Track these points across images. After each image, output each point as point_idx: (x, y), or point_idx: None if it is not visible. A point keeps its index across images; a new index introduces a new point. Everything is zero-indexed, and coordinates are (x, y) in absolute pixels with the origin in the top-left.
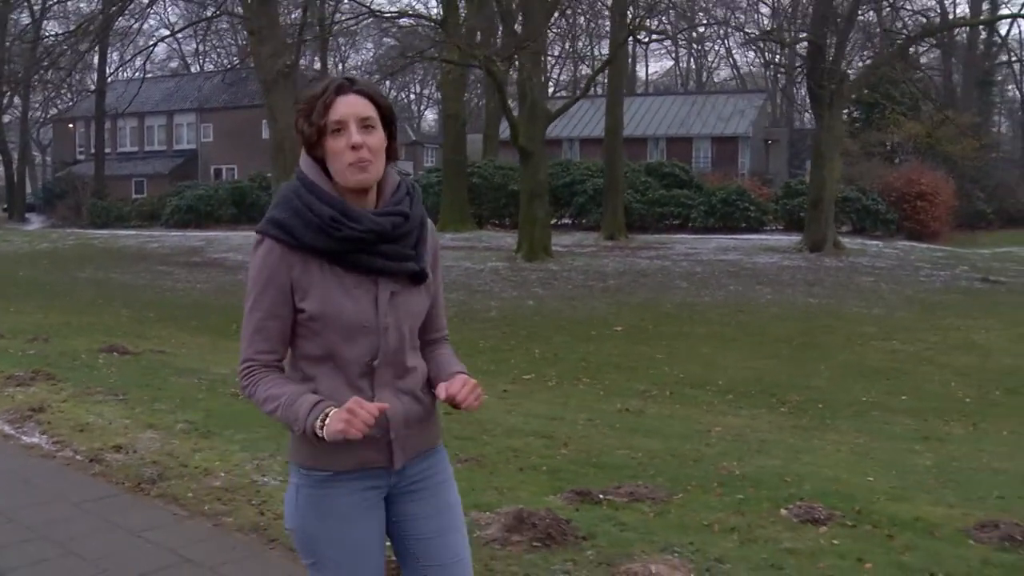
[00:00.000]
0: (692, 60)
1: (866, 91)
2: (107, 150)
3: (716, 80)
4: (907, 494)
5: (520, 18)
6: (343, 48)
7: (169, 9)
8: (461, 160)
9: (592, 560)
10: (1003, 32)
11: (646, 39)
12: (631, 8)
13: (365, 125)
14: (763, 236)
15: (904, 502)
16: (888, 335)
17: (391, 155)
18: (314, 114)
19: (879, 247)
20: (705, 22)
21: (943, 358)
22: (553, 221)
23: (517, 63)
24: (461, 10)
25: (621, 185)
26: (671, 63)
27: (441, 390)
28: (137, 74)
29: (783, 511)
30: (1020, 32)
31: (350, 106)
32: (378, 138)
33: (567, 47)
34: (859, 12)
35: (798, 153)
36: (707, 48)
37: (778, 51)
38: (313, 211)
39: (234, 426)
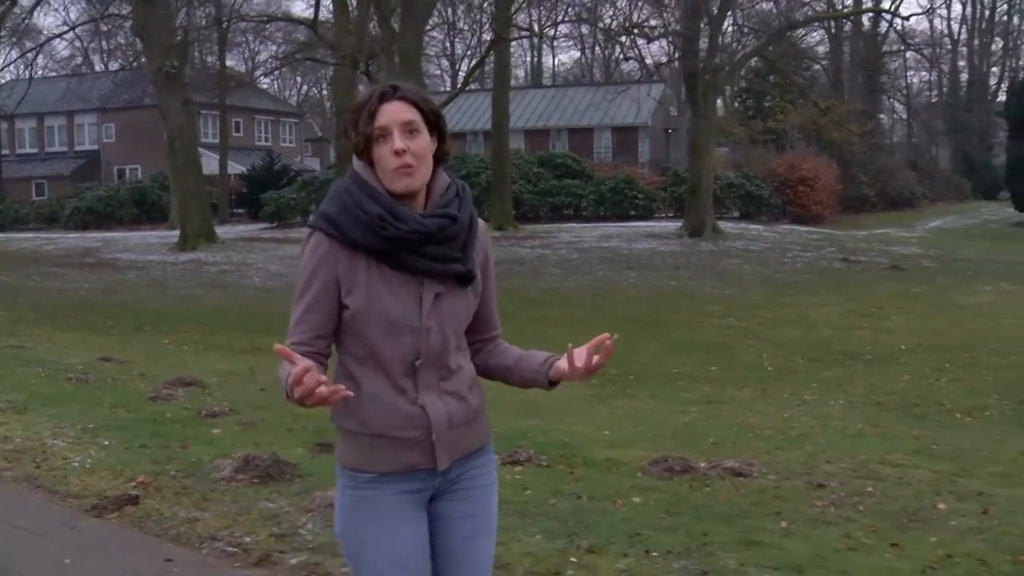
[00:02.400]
0: (601, 51)
1: (756, 79)
2: (5, 151)
3: (624, 71)
4: (626, 444)
5: (398, 18)
6: (252, 44)
7: (70, 7)
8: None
9: (296, 491)
10: (892, 20)
11: (513, 37)
12: (494, 8)
13: (409, 130)
14: (650, 223)
15: (614, 448)
16: (728, 313)
17: (441, 157)
18: (360, 122)
19: (759, 231)
20: (566, 19)
21: (770, 332)
22: None
23: (397, 62)
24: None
25: (508, 177)
26: (578, 54)
27: (573, 357)
28: (39, 72)
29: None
30: (902, 24)
31: (393, 112)
32: (422, 142)
33: (445, 45)
34: (730, 7)
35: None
36: (614, 40)
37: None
38: (362, 209)
39: (52, 405)
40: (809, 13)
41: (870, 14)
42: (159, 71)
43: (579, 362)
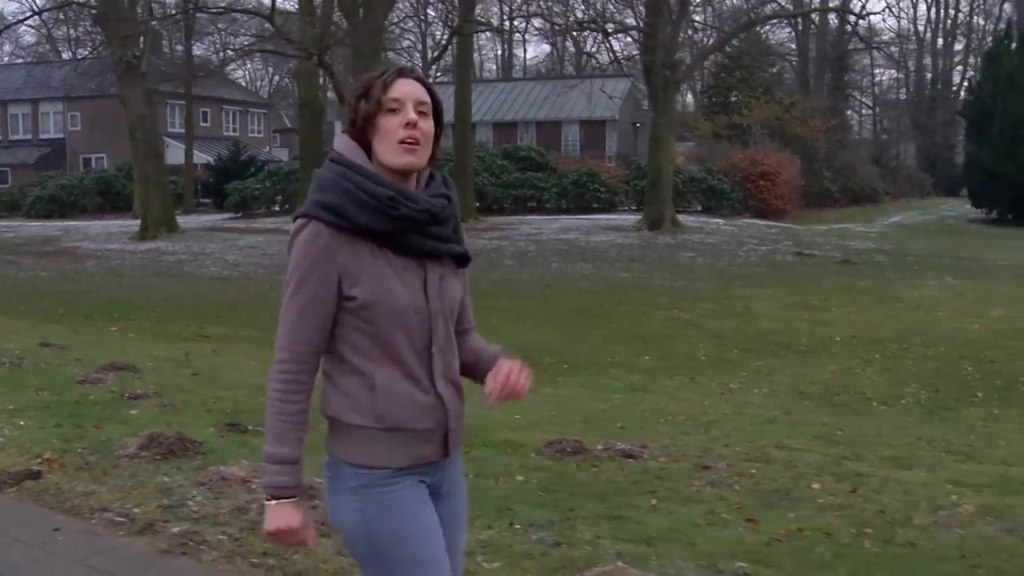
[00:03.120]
0: (574, 45)
1: (722, 75)
2: None
3: (595, 65)
4: (532, 427)
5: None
6: (223, 34)
7: None
8: (318, 148)
9: (195, 467)
10: (856, 22)
11: (470, 31)
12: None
13: (421, 111)
14: (612, 216)
15: (517, 431)
16: (674, 304)
17: (433, 153)
18: (374, 89)
19: (719, 225)
20: (520, 14)
21: (711, 323)
22: None
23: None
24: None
25: (470, 169)
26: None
27: (490, 381)
28: (3, 59)
29: None
30: (868, 22)
31: (410, 88)
32: (430, 126)
33: (416, 38)
34: (690, 3)
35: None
36: (569, 36)
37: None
38: (367, 192)
39: None
40: (769, 10)
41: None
42: (120, 61)
43: (494, 389)
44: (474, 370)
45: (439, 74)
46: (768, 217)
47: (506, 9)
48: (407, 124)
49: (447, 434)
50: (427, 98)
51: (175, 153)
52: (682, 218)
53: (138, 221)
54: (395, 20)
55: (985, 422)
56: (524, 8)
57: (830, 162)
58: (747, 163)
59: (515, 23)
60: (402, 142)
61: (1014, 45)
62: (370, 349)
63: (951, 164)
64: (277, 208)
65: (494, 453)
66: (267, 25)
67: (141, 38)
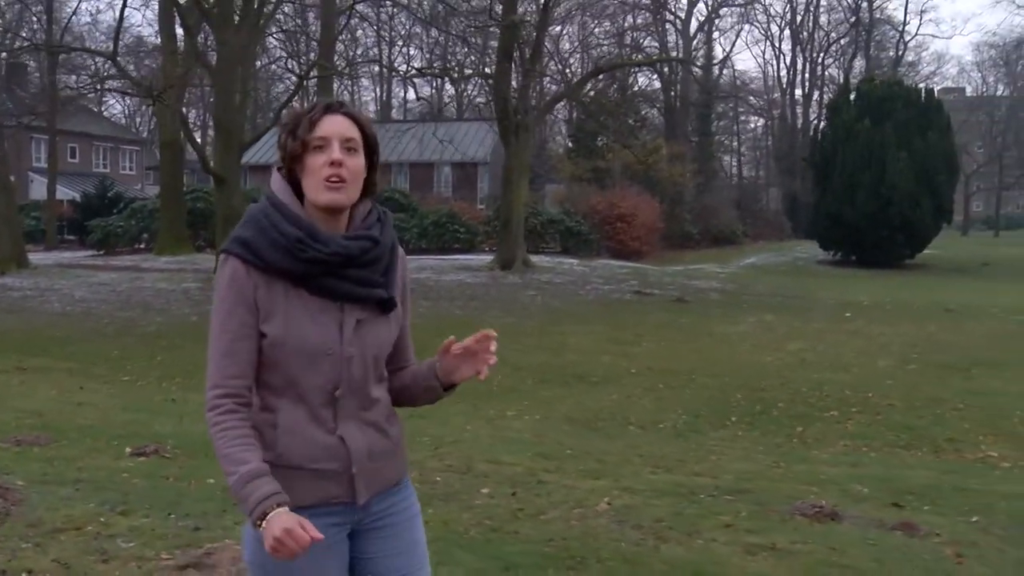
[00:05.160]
0: (452, 88)
1: (586, 120)
2: None
3: (477, 106)
4: None
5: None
6: (100, 67)
7: None
8: (178, 186)
9: None
10: (722, 68)
11: (321, 75)
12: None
13: (348, 147)
14: (470, 256)
15: None
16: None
17: (368, 187)
18: (300, 129)
19: (572, 265)
20: (360, 60)
21: (519, 357)
22: None
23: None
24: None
25: None
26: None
27: (449, 347)
28: None
29: (128, 449)
30: (734, 70)
31: (336, 125)
32: (358, 162)
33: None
34: (544, 50)
35: (539, 176)
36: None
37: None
38: (279, 230)
39: None
40: (614, 59)
41: (702, 62)
42: None
43: (455, 350)
44: (413, 388)
45: None
46: (626, 258)
47: (349, 55)
48: (332, 163)
49: (352, 477)
50: (355, 133)
51: (40, 188)
52: (538, 259)
53: None
54: (265, 63)
55: (720, 442)
56: (364, 54)
57: (691, 205)
58: (605, 205)
59: (354, 69)
60: (327, 179)
61: (853, 96)
62: (280, 387)
63: (810, 208)
64: (142, 246)
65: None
66: (147, 61)
67: None
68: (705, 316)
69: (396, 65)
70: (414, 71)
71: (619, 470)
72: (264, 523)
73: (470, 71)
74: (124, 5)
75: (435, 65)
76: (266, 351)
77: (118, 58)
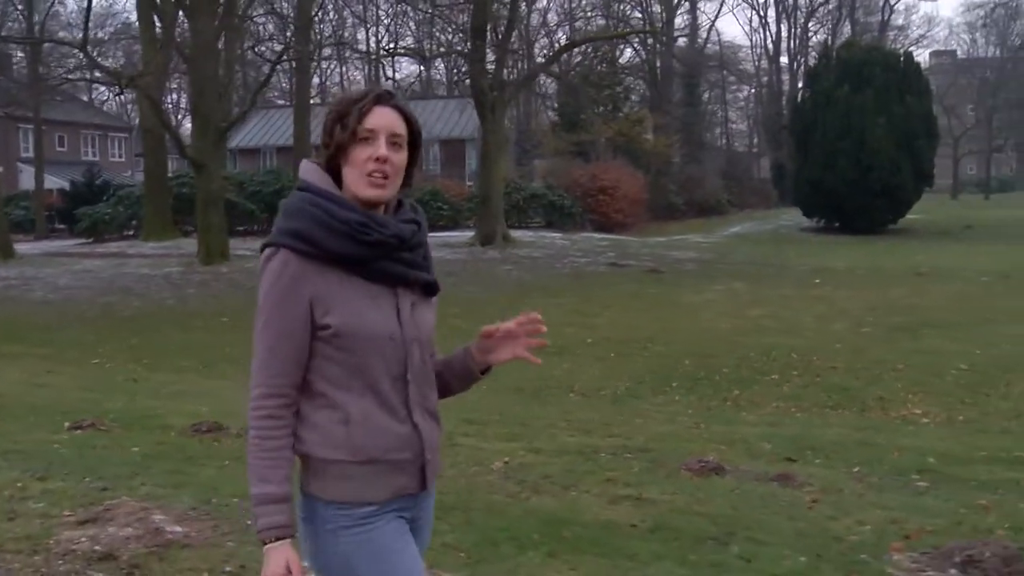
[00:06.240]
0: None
1: (569, 94)
2: None
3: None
4: (211, 416)
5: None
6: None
7: None
8: (162, 172)
9: None
10: (709, 37)
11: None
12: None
13: (394, 142)
14: (453, 233)
15: (184, 417)
16: (461, 315)
17: (405, 179)
18: (349, 118)
19: (554, 239)
20: (325, 43)
21: (475, 329)
22: (264, 226)
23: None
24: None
25: None
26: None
27: (492, 333)
28: None
29: (67, 424)
30: (720, 39)
31: (385, 118)
32: (402, 158)
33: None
34: (517, 26)
35: (526, 152)
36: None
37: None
38: (336, 218)
39: None
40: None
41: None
42: None
43: (499, 334)
44: (445, 374)
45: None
46: (611, 230)
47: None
48: (377, 159)
49: (424, 465)
50: (402, 128)
51: (29, 178)
52: (521, 233)
53: None
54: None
55: (655, 407)
56: (332, 36)
57: (675, 176)
58: (587, 179)
59: (319, 51)
60: (370, 175)
61: (833, 62)
62: (345, 379)
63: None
64: (131, 232)
65: (144, 432)
66: (135, 48)
67: None
68: (676, 286)
69: (370, 46)
70: (384, 52)
71: (538, 434)
72: (273, 545)
73: (443, 49)
74: None
75: (403, 45)
76: (329, 343)
77: (88, 47)
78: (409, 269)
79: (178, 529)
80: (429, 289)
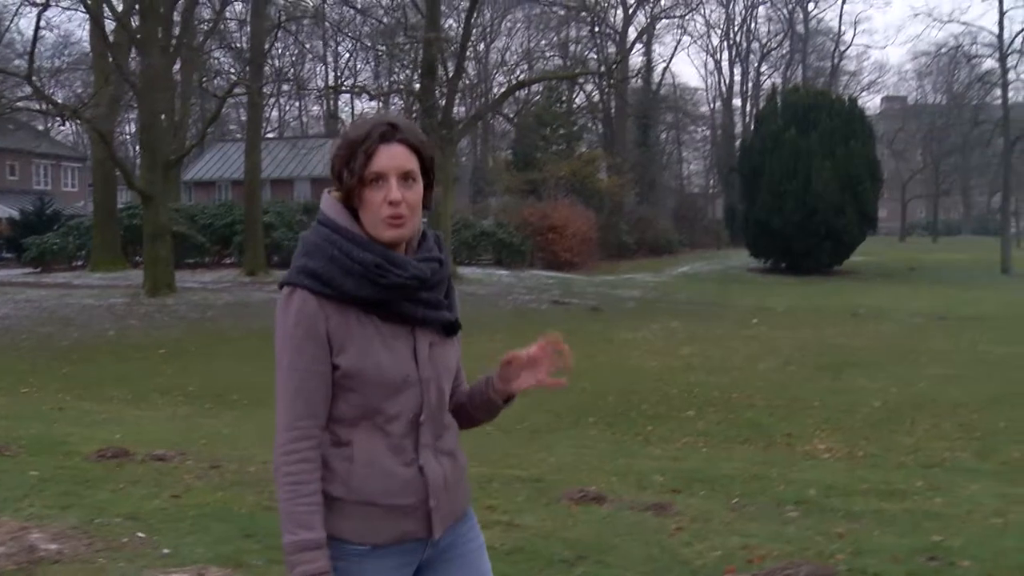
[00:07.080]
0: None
1: (525, 133)
2: None
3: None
4: (117, 442)
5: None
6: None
7: None
8: (111, 203)
9: None
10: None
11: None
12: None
13: (406, 179)
14: None
15: (89, 444)
16: None
17: (424, 204)
18: (354, 162)
19: (501, 276)
20: (271, 80)
21: None
22: (215, 259)
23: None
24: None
25: (259, 224)
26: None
27: (512, 360)
28: None
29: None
30: (675, 80)
31: (393, 158)
32: (418, 192)
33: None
34: (467, 66)
35: (481, 190)
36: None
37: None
38: (353, 258)
39: None
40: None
41: (639, 71)
42: None
43: (520, 361)
44: (469, 405)
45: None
46: (559, 269)
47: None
48: (391, 203)
49: (430, 512)
50: (412, 163)
51: None
52: (470, 271)
53: None
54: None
55: (566, 440)
56: (292, 71)
57: (627, 216)
58: (537, 217)
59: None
60: (387, 219)
61: (780, 106)
62: (352, 418)
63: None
64: (79, 263)
65: (50, 457)
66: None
67: None
68: (614, 324)
69: (328, 81)
70: (338, 89)
71: None
72: None
73: (399, 87)
74: (37, 27)
75: (358, 82)
76: (339, 383)
77: (34, 77)
78: (428, 310)
79: (52, 547)
80: (449, 328)
